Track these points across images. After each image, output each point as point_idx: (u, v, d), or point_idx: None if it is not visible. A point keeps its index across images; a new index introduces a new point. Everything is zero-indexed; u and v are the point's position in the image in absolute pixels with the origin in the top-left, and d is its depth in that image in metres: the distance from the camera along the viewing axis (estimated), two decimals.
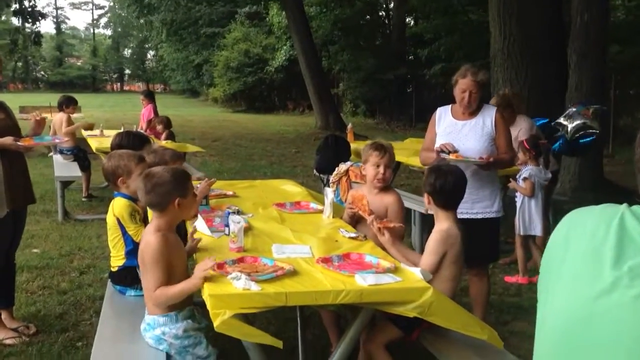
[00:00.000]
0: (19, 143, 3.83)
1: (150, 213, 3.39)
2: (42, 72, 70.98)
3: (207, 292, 2.32)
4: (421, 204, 5.84)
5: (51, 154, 8.46)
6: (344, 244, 3.05)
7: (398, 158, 5.59)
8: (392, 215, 3.41)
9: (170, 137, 8.74)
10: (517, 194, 5.26)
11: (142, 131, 8.78)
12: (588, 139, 6.03)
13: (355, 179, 6.51)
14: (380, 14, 27.50)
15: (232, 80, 30.87)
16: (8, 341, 3.81)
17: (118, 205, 3.32)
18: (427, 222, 5.80)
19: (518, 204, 5.21)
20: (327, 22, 23.82)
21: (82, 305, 4.51)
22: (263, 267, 2.62)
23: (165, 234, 2.64)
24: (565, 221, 1.30)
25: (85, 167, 8.12)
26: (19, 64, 60.88)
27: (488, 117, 3.80)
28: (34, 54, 57.55)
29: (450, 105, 3.96)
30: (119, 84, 79.98)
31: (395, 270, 2.63)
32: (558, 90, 7.87)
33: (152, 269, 2.60)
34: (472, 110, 3.84)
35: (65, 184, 7.44)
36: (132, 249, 3.29)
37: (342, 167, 6.66)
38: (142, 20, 36.18)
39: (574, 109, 6.23)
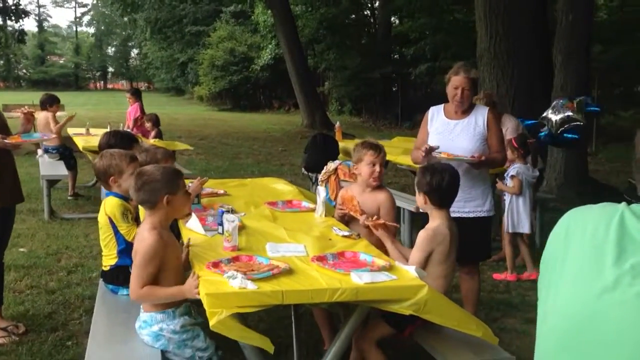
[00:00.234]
0: (6, 141, 3.80)
1: (142, 212, 3.39)
2: (24, 70, 70.15)
3: (204, 291, 2.32)
4: (410, 202, 5.87)
5: (40, 154, 8.37)
6: (337, 242, 3.06)
7: (387, 157, 5.61)
8: (384, 212, 3.43)
9: (159, 135, 8.69)
10: (505, 192, 5.32)
11: (129, 130, 8.73)
12: (571, 136, 6.10)
13: (344, 177, 6.53)
14: (366, 13, 27.57)
15: (218, 79, 30.79)
16: None
17: (110, 205, 3.31)
18: (416, 221, 5.84)
19: (507, 202, 5.27)
20: (312, 21, 23.84)
21: (71, 305, 4.48)
22: (258, 265, 2.63)
23: (160, 232, 2.64)
24: (565, 220, 1.31)
25: (71, 165, 8.05)
26: (0, 62, 60.12)
27: (480, 116, 3.83)
28: (15, 52, 56.86)
29: (442, 105, 3.98)
30: (102, 82, 79.27)
31: (390, 268, 2.64)
32: (543, 90, 7.95)
33: (143, 266, 2.61)
34: (465, 108, 3.86)
35: (52, 182, 7.37)
36: (125, 248, 3.28)
37: (331, 165, 6.67)
38: (125, 18, 35.88)
39: (559, 102, 6.32)
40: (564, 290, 1.20)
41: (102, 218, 3.35)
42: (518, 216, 5.20)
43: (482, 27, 8.07)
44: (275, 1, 19.64)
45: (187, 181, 3.45)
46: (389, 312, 2.58)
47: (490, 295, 4.87)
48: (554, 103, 6.39)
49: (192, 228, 3.22)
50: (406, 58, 21.39)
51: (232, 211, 3.49)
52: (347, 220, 3.57)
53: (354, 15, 26.39)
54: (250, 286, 2.33)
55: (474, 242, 3.73)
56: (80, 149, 7.44)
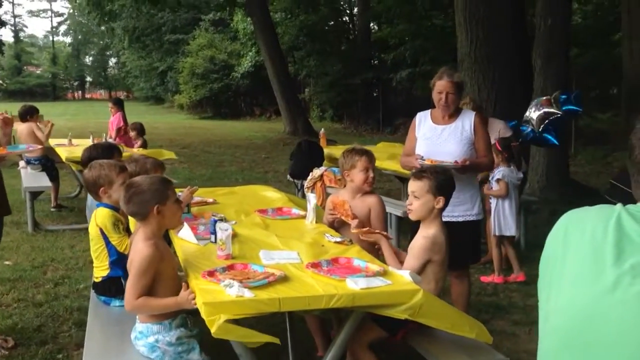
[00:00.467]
0: None
1: (132, 223, 3.39)
2: (0, 81, 69.23)
3: (201, 300, 2.32)
4: (397, 207, 5.91)
5: (22, 165, 8.28)
6: (330, 248, 3.09)
7: None
8: (375, 215, 3.47)
9: (144, 144, 8.65)
10: (491, 196, 5.38)
11: (111, 140, 8.68)
12: (551, 138, 6.20)
13: (330, 183, 6.55)
14: (345, 19, 27.70)
15: (198, 87, 30.69)
16: None
17: (101, 216, 3.30)
18: (403, 225, 5.88)
19: (493, 206, 5.33)
20: (292, 28, 23.89)
21: (60, 317, 4.43)
22: (254, 273, 2.64)
23: (155, 243, 2.65)
24: (563, 221, 1.34)
25: (53, 177, 7.98)
26: None
27: (467, 120, 3.87)
28: None
29: (429, 110, 4.02)
30: (80, 91, 78.46)
31: (384, 273, 2.67)
32: (524, 93, 8.06)
33: (139, 276, 2.61)
34: (451, 112, 3.90)
35: (35, 194, 7.30)
36: (116, 259, 3.27)
37: (317, 172, 6.69)
38: (103, 27, 35.61)
39: (536, 101, 6.43)
40: (565, 290, 1.22)
41: (92, 229, 3.34)
42: (504, 219, 5.26)
43: (463, 32, 8.15)
44: (255, 9, 19.65)
45: (177, 190, 3.46)
46: (380, 315, 2.60)
47: (479, 297, 4.92)
48: (532, 103, 6.50)
49: (184, 237, 3.22)
50: (386, 63, 21.52)
51: (224, 220, 3.49)
52: (336, 226, 3.59)
53: (333, 22, 26.51)
54: (247, 294, 2.35)
55: (463, 246, 3.77)
56: (64, 159, 7.37)
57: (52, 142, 8.80)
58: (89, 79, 78.26)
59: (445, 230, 3.16)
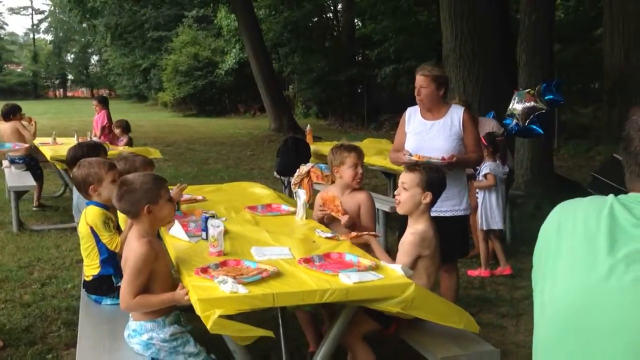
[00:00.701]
0: None
1: (121, 221, 3.38)
2: None
3: (196, 297, 2.33)
4: (384, 203, 5.94)
5: (5, 164, 8.19)
6: (321, 244, 3.10)
7: None
8: (365, 211, 3.49)
9: (130, 142, 8.60)
10: (478, 190, 5.43)
11: (96, 138, 8.62)
12: (537, 128, 6.26)
13: (317, 180, 6.58)
14: (329, 15, 27.69)
15: (182, 84, 30.49)
16: None
17: (91, 214, 3.28)
18: (391, 221, 5.92)
19: (480, 200, 5.38)
20: (276, 25, 23.83)
21: (48, 317, 4.40)
22: (247, 269, 2.65)
23: (150, 241, 2.64)
24: (556, 213, 1.36)
25: (37, 176, 7.91)
26: None
27: (456, 116, 3.89)
28: None
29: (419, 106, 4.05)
30: (61, 90, 77.59)
31: (376, 267, 2.69)
32: (508, 89, 8.12)
33: (135, 275, 2.60)
34: (428, 106, 3.91)
35: (19, 194, 7.22)
36: (107, 257, 3.27)
37: (304, 168, 6.71)
38: (84, 25, 35.25)
39: (519, 93, 6.48)
40: (560, 281, 1.24)
41: (83, 228, 3.32)
42: (491, 213, 5.31)
43: (448, 28, 8.20)
44: (239, 5, 19.57)
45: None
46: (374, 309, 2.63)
47: (466, 291, 4.97)
48: (514, 96, 6.55)
49: (175, 235, 3.21)
50: (371, 60, 21.56)
51: (215, 216, 3.49)
52: (326, 222, 3.61)
53: (317, 19, 26.49)
54: (242, 290, 2.35)
55: (452, 241, 3.79)
56: (48, 158, 7.30)
57: (36, 141, 8.71)
58: (70, 77, 77.37)
59: (435, 225, 3.19)
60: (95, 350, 2.77)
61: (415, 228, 3.12)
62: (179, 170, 11.85)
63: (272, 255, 2.87)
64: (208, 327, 2.23)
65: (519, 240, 6.21)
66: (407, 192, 3.14)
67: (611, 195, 1.30)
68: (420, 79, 3.86)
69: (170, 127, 23.34)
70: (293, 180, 6.70)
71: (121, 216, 3.39)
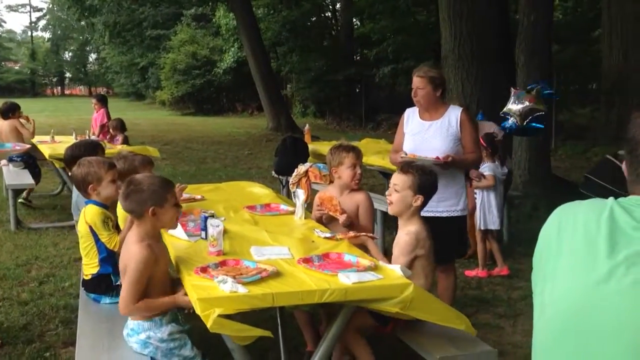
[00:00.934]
0: None
1: (121, 220, 3.38)
2: None
3: (196, 297, 2.34)
4: (382, 203, 5.93)
5: (4, 163, 8.18)
6: (320, 244, 3.11)
7: None
8: (363, 211, 3.50)
9: (126, 141, 8.59)
10: (476, 190, 5.44)
11: (94, 137, 8.62)
12: (537, 125, 6.27)
13: (315, 179, 6.58)
14: (327, 15, 27.68)
15: (180, 83, 30.44)
16: None
17: (90, 213, 3.29)
18: (388, 221, 5.93)
19: (478, 200, 5.39)
20: (275, 24, 23.82)
21: (46, 316, 4.40)
22: (246, 269, 2.65)
23: (150, 244, 2.64)
24: (556, 215, 1.37)
25: (35, 174, 7.90)
26: None
27: (454, 116, 3.89)
28: None
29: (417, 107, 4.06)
30: (59, 87, 77.46)
31: (375, 268, 2.70)
32: (507, 90, 8.13)
33: (136, 281, 2.60)
34: (425, 107, 3.92)
35: (17, 192, 7.22)
36: (106, 256, 3.27)
37: (302, 168, 6.71)
38: (83, 23, 35.18)
39: (518, 94, 6.49)
40: (560, 283, 1.25)
41: (82, 227, 3.32)
42: (490, 213, 5.32)
43: (447, 28, 8.20)
44: (237, 4, 19.55)
45: None
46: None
47: (463, 292, 4.98)
48: (512, 95, 6.55)
49: (174, 234, 3.21)
50: (369, 60, 21.57)
51: (214, 216, 3.49)
52: (325, 222, 3.62)
53: (315, 18, 26.48)
54: (241, 290, 2.36)
55: (449, 241, 3.81)
56: (47, 157, 7.30)
57: (35, 139, 8.70)
58: (68, 74, 77.24)
59: (427, 225, 3.19)
60: (94, 349, 2.77)
61: (408, 229, 3.14)
62: (177, 169, 11.85)
63: (272, 255, 2.88)
64: (208, 326, 2.24)
65: (516, 240, 6.23)
66: (398, 194, 3.16)
67: (611, 198, 1.30)
68: (417, 80, 3.88)
69: (168, 125, 23.31)
70: (291, 179, 6.70)
71: (120, 215, 3.39)
